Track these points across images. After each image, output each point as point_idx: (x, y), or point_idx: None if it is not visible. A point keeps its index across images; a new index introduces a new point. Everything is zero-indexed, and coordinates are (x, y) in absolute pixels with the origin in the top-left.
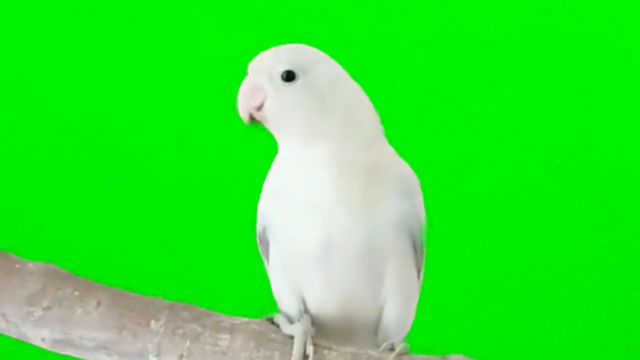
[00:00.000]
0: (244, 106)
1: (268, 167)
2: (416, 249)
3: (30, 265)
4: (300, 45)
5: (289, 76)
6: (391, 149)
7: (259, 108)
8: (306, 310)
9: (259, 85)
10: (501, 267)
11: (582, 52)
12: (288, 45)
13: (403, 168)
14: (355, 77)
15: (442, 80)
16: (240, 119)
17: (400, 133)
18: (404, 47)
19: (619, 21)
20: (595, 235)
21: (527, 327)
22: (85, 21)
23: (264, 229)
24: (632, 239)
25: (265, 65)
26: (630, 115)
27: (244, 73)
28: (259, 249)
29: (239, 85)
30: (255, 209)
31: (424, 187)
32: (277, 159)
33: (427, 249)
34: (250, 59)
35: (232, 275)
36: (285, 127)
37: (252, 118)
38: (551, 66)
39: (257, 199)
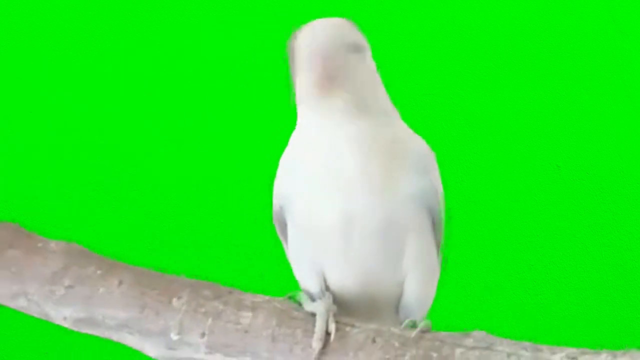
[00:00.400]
0: (324, 73)
1: (279, 149)
2: (435, 224)
3: (52, 244)
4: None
5: (358, 48)
6: (406, 125)
7: (332, 75)
8: (327, 288)
9: (334, 54)
10: (501, 267)
11: (582, 52)
12: (345, 19)
13: (420, 144)
14: None
15: (442, 80)
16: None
17: None
18: (403, 47)
19: (619, 21)
20: (595, 235)
21: (527, 327)
22: (85, 21)
23: (281, 208)
24: (632, 239)
25: (339, 36)
26: (630, 115)
27: (243, 73)
28: (277, 229)
29: (238, 85)
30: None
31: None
32: (296, 137)
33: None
34: (250, 58)
35: (255, 253)
36: (346, 99)
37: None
38: (551, 66)
39: (273, 179)
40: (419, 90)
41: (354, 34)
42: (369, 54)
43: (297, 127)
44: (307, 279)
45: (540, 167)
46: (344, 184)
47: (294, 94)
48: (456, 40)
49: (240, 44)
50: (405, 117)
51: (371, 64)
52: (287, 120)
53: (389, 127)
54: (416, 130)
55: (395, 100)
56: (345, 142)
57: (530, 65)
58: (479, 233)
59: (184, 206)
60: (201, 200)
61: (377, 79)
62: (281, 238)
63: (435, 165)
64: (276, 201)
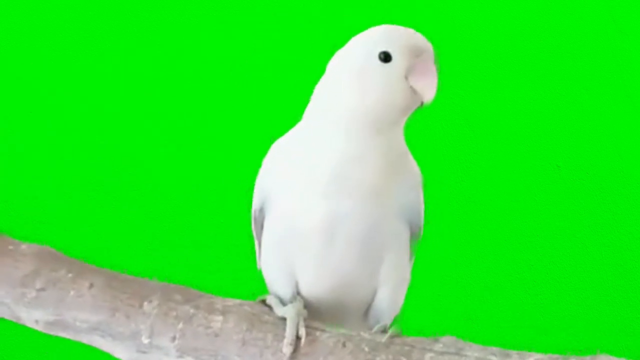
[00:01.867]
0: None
1: (252, 149)
2: (412, 238)
3: (23, 246)
4: None
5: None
6: (402, 139)
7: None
8: (298, 292)
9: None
10: (501, 267)
11: (582, 52)
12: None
13: (412, 161)
14: None
15: (442, 80)
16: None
17: None
18: None
19: (619, 21)
20: (595, 235)
21: (526, 327)
22: (85, 21)
23: (262, 206)
24: (632, 239)
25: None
26: (630, 115)
27: (243, 73)
28: (252, 227)
29: (238, 85)
30: (247, 192)
31: (424, 187)
32: (294, 135)
33: (423, 243)
34: (252, 58)
35: (225, 257)
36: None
37: None
38: (551, 66)
39: (250, 181)
40: None
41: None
42: None
43: (301, 125)
44: (278, 282)
45: (540, 167)
46: (336, 188)
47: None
48: (456, 40)
49: (240, 44)
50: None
51: None
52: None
53: (392, 142)
54: (416, 130)
55: None
56: (352, 151)
57: (530, 65)
58: (479, 233)
59: (156, 209)
60: (173, 204)
61: None
62: (254, 236)
63: (422, 184)
64: (257, 196)
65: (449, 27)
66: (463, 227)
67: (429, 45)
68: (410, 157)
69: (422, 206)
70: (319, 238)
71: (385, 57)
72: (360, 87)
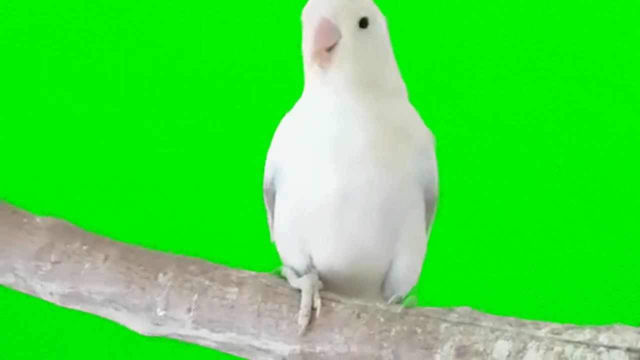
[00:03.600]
0: (318, 44)
1: (270, 123)
2: (428, 205)
3: (38, 219)
4: None
5: (363, 22)
6: (411, 106)
7: (330, 49)
8: (312, 264)
9: (335, 26)
10: (501, 267)
11: (582, 52)
12: None
13: (423, 125)
14: None
15: (442, 80)
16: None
17: None
18: (403, 47)
19: (619, 21)
20: (595, 235)
21: None
22: (85, 21)
23: (273, 177)
24: (632, 239)
25: (344, 8)
26: (630, 115)
27: (242, 73)
28: (265, 199)
29: (238, 84)
30: (262, 163)
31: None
32: (299, 107)
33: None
34: (248, 58)
35: (241, 228)
36: (346, 72)
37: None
38: (551, 66)
39: (265, 152)
40: (419, 90)
41: (362, 6)
42: (380, 26)
43: (302, 96)
44: (292, 254)
45: (540, 167)
46: (346, 158)
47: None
48: (456, 40)
49: (240, 44)
50: None
51: (382, 37)
52: (275, 114)
53: (396, 106)
54: None
55: None
56: (351, 116)
57: (530, 65)
58: (479, 232)
59: (171, 182)
60: (188, 176)
61: (388, 53)
62: (267, 209)
63: (434, 149)
64: (269, 168)
65: (449, 27)
66: (463, 227)
67: (318, 8)
68: (418, 119)
69: (436, 170)
70: (331, 210)
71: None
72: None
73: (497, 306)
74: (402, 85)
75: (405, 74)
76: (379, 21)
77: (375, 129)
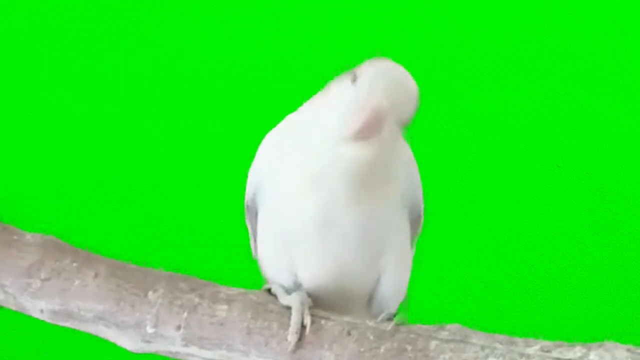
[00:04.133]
0: (364, 132)
1: (254, 137)
2: (413, 224)
3: (28, 236)
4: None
5: (406, 124)
6: (403, 141)
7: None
8: (299, 282)
9: (384, 121)
10: (501, 267)
11: (582, 52)
12: (416, 92)
13: (407, 149)
14: None
15: (442, 80)
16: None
17: None
18: (403, 47)
19: (619, 21)
20: (595, 235)
21: (527, 327)
22: (85, 21)
23: (255, 195)
24: (632, 239)
25: (401, 108)
26: (630, 115)
27: (242, 73)
28: (246, 215)
29: (238, 84)
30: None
31: (424, 187)
32: (290, 126)
33: (424, 240)
34: (249, 58)
35: (230, 246)
36: (368, 154)
37: None
38: (551, 66)
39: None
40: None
41: (414, 108)
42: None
43: (298, 116)
44: (277, 272)
45: (540, 167)
46: (327, 179)
47: (329, 91)
48: (456, 40)
49: (240, 44)
50: None
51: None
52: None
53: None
54: (416, 130)
55: None
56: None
57: (530, 65)
58: (479, 233)
59: (160, 199)
60: (178, 193)
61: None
62: (248, 225)
63: (416, 167)
64: (251, 184)
65: (449, 27)
66: (463, 227)
67: (390, 96)
68: (404, 144)
69: (420, 188)
70: (314, 229)
71: (354, 78)
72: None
73: (496, 306)
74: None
75: None
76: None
77: (365, 157)
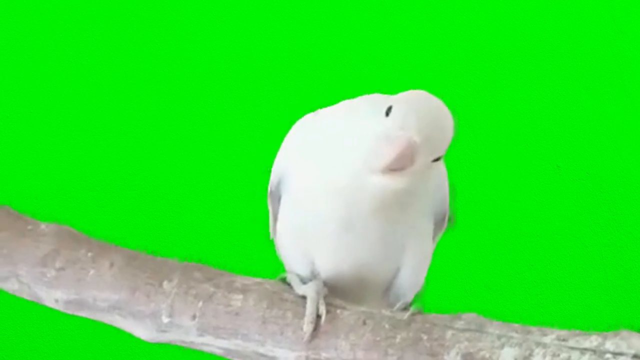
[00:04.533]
0: (396, 164)
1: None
2: (437, 223)
3: (43, 226)
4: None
5: (437, 158)
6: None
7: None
8: (316, 271)
9: (416, 153)
10: (501, 267)
11: (582, 52)
12: (451, 124)
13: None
14: (355, 77)
15: (442, 80)
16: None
17: None
18: (403, 47)
19: (619, 21)
20: (595, 235)
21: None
22: (85, 21)
23: (279, 182)
24: (632, 239)
25: (435, 142)
26: (630, 115)
27: (242, 72)
28: (269, 199)
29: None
30: (266, 167)
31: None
32: (323, 120)
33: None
34: (249, 59)
35: (246, 235)
36: (398, 188)
37: None
38: (551, 66)
39: (269, 156)
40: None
41: (449, 140)
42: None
43: (334, 115)
44: (295, 260)
45: (540, 167)
46: (357, 188)
47: (359, 112)
48: (456, 40)
49: (240, 44)
50: None
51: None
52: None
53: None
54: None
55: None
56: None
57: (530, 65)
58: (479, 233)
59: (175, 188)
60: (192, 183)
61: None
62: (269, 207)
63: (447, 181)
64: (276, 172)
65: (449, 27)
66: (463, 227)
67: (422, 130)
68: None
69: (447, 197)
70: (336, 229)
71: (388, 111)
72: (365, 110)
73: (496, 304)
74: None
75: (406, 74)
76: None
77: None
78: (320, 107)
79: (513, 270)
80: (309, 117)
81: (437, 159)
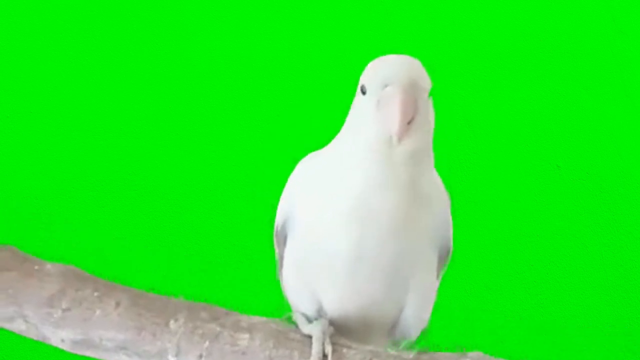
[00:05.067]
0: (404, 120)
1: (286, 166)
2: (441, 259)
3: (49, 266)
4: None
5: (429, 93)
6: (436, 173)
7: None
8: (322, 310)
9: (415, 99)
10: (501, 267)
11: (582, 52)
12: (417, 60)
13: (442, 191)
14: (355, 77)
15: (442, 80)
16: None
17: None
18: (404, 47)
19: (619, 21)
20: (595, 235)
21: (527, 327)
22: (85, 21)
23: (285, 222)
24: (632, 239)
25: (420, 79)
26: (630, 115)
27: (242, 72)
28: (274, 240)
29: (237, 83)
30: (271, 207)
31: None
32: (326, 155)
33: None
34: (250, 60)
35: (251, 275)
36: (415, 146)
37: None
38: (551, 66)
39: (273, 197)
40: None
41: (426, 74)
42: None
43: (335, 146)
44: (302, 299)
45: (540, 167)
46: (363, 217)
47: (355, 114)
48: (456, 40)
49: (240, 44)
50: None
51: (432, 106)
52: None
53: (425, 173)
54: None
55: None
56: (382, 181)
57: (530, 65)
58: (479, 233)
59: (180, 226)
60: (197, 221)
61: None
62: (276, 249)
63: (449, 210)
64: (282, 211)
65: (449, 26)
66: (463, 228)
67: (398, 76)
68: (439, 183)
69: (451, 229)
70: (342, 264)
71: (362, 90)
72: (353, 119)
73: (495, 302)
74: (432, 151)
75: None
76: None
77: (400, 196)
78: (321, 108)
79: (513, 270)
80: (309, 156)
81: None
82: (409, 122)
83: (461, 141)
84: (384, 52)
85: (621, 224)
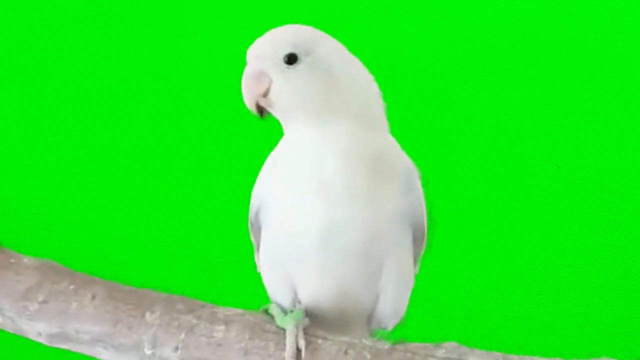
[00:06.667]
0: (250, 94)
1: (258, 157)
2: (417, 240)
3: (25, 260)
4: (298, 26)
5: (291, 59)
6: (393, 139)
7: (265, 94)
8: (298, 300)
9: (262, 71)
10: (501, 266)
11: (582, 52)
12: (285, 27)
13: (406, 160)
14: None
15: (442, 80)
16: (233, 114)
17: (400, 133)
18: (404, 47)
19: (619, 21)
20: (595, 235)
21: (527, 327)
22: (85, 21)
23: (258, 211)
24: (632, 239)
25: (266, 50)
26: (630, 115)
27: (242, 72)
28: (250, 233)
29: (236, 82)
30: (248, 199)
31: (424, 187)
32: (282, 143)
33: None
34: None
35: (227, 267)
36: (294, 111)
37: (259, 107)
38: (551, 66)
39: (250, 188)
40: (419, 91)
41: (286, 43)
42: (320, 57)
43: (285, 135)
44: (277, 288)
45: (540, 167)
46: (327, 194)
47: None
48: (456, 40)
49: (240, 44)
50: (406, 118)
51: (325, 66)
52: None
53: (376, 138)
54: (416, 130)
55: (396, 101)
56: (332, 150)
57: (530, 65)
58: (479, 233)
59: (157, 219)
60: (175, 214)
61: (340, 80)
62: (253, 242)
63: (419, 182)
64: (254, 203)
65: (449, 26)
66: (463, 228)
67: (248, 53)
68: (404, 155)
69: (423, 203)
70: (314, 245)
71: None
72: None
73: (495, 302)
74: (380, 116)
75: (406, 74)
76: (320, 52)
77: (355, 163)
78: None
79: (513, 270)
80: (277, 146)
81: (292, 61)
82: (265, 95)
83: (461, 141)
84: (384, 52)
85: (621, 224)
